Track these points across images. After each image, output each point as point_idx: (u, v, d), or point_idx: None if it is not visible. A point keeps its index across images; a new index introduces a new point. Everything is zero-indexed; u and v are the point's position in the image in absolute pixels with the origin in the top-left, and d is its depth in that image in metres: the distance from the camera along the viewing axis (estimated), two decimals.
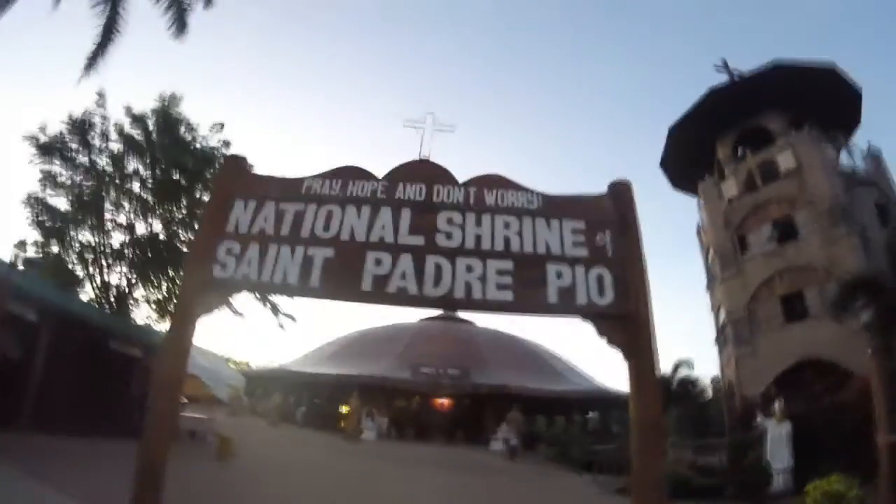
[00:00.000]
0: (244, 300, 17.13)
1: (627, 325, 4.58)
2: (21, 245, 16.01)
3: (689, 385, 31.79)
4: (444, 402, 36.58)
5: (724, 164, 25.40)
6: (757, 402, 18.86)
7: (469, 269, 4.47)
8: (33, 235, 16.31)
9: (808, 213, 21.01)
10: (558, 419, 37.10)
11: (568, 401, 35.84)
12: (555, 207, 4.97)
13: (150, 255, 17.00)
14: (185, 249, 17.41)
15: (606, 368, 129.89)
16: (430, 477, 16.54)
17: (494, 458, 24.23)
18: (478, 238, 4.72)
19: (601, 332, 4.52)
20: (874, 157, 23.81)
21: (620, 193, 5.22)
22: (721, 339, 25.28)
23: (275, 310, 18.22)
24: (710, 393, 38.03)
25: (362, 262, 4.60)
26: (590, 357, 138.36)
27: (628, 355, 4.61)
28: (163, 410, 5.73)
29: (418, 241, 4.67)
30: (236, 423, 25.53)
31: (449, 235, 4.73)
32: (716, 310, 25.67)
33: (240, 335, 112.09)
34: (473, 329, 47.46)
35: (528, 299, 4.44)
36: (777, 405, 12.84)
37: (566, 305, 4.44)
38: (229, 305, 17.97)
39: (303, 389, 38.35)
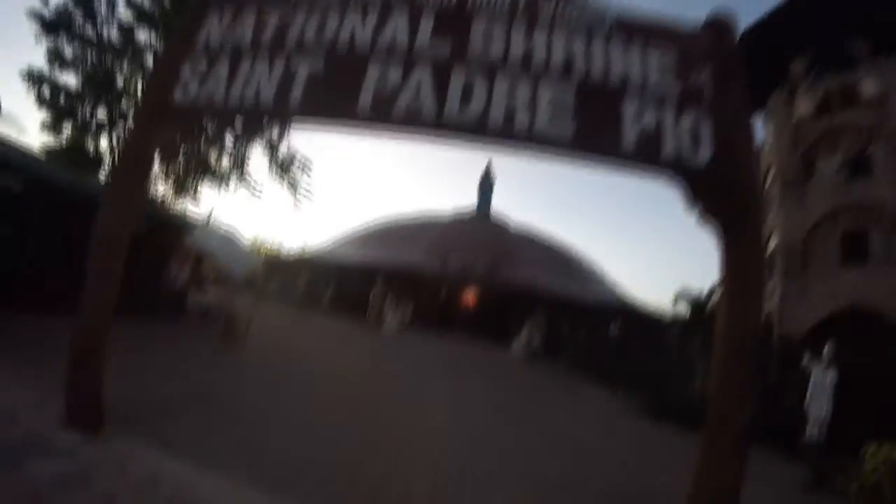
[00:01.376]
0: (261, 179, 16.33)
1: (729, 192, 3.32)
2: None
3: None
4: (470, 297, 36.16)
5: (798, 82, 22.62)
6: (797, 343, 17.61)
7: (513, 91, 3.09)
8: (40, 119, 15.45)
9: (887, 149, 18.70)
10: (582, 327, 36.61)
11: (594, 309, 34.97)
12: (636, 30, 3.56)
13: None
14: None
15: (638, 280, 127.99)
16: (446, 377, 15.99)
17: (515, 361, 23.79)
18: (528, 54, 3.27)
19: (693, 197, 3.27)
20: None
21: (723, 28, 3.76)
22: (768, 272, 23.59)
23: (292, 185, 17.25)
24: None
25: (361, 75, 3.33)
26: (624, 266, 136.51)
27: (726, 233, 3.37)
28: (103, 275, 4.69)
29: (442, 51, 3.28)
30: (256, 307, 25.38)
31: (487, 48, 3.28)
32: (766, 238, 23.85)
33: (263, 220, 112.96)
34: (506, 225, 46.50)
35: (595, 139, 3.13)
36: (827, 348, 11.62)
37: (648, 155, 3.14)
38: (247, 184, 17.13)
39: (328, 275, 38.24)
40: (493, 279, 34.77)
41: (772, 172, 22.92)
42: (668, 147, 3.15)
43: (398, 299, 31.38)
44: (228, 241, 22.58)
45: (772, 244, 22.48)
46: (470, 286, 35.37)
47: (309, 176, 17.43)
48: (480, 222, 45.01)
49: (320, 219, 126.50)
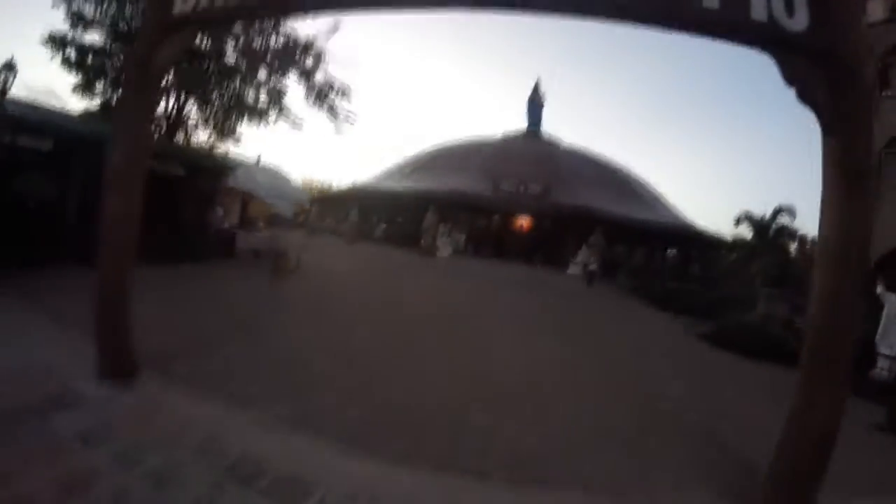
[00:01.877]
0: (302, 111, 15.97)
1: (832, 67, 2.65)
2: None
3: (786, 235, 28.99)
4: (524, 221, 35.43)
5: None
6: (867, 270, 16.10)
7: None
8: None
9: None
10: (639, 250, 35.62)
11: (651, 231, 33.80)
12: None
13: (198, 73, 15.63)
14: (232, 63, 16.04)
15: (696, 203, 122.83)
16: (503, 295, 15.77)
17: (572, 283, 23.31)
18: None
19: (788, 72, 2.62)
20: None
21: None
22: None
23: (332, 112, 16.76)
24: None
25: None
26: (680, 188, 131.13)
27: (827, 120, 2.76)
28: (118, 219, 4.41)
29: None
30: (310, 242, 25.72)
31: None
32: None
33: (311, 156, 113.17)
34: (558, 146, 44.83)
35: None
36: None
37: (732, 18, 2.53)
38: (287, 116, 16.76)
39: (381, 207, 38.18)
40: (546, 202, 33.82)
41: None
42: (757, 8, 2.49)
43: (451, 226, 31.14)
44: (276, 179, 22.67)
45: None
46: (523, 210, 34.57)
47: (349, 101, 16.91)
48: (531, 143, 43.51)
49: (369, 150, 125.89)
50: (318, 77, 16.37)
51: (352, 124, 17.36)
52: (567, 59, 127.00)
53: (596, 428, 5.03)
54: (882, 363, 9.58)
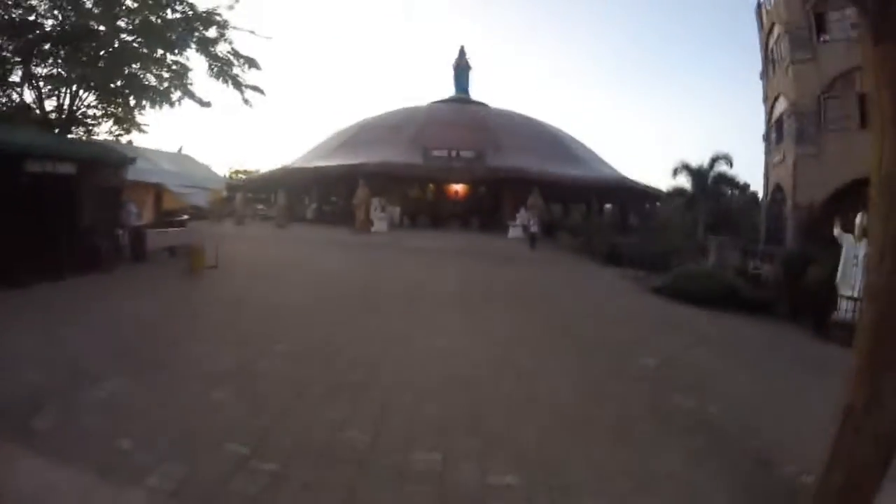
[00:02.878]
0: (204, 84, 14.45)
1: None
2: None
3: (724, 183, 29.38)
4: (459, 188, 34.63)
5: None
6: (818, 211, 16.31)
7: None
8: None
9: None
10: (576, 208, 35.45)
11: (589, 189, 33.67)
12: None
13: (89, 57, 13.77)
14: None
15: (631, 157, 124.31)
16: (448, 265, 14.98)
17: (515, 246, 22.77)
18: None
19: None
20: None
21: None
22: (773, 137, 21.79)
23: (236, 83, 15.30)
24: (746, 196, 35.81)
25: None
26: (612, 145, 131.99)
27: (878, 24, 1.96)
28: None
29: None
30: (238, 231, 24.10)
31: None
32: (771, 101, 21.80)
33: (238, 143, 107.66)
34: (488, 110, 43.92)
35: None
36: (860, 219, 10.39)
37: None
38: (191, 95, 15.14)
39: (311, 187, 36.51)
40: (479, 166, 33.00)
41: (775, 32, 20.68)
42: None
43: (385, 200, 29.94)
44: (191, 167, 20.63)
45: (779, 107, 20.71)
46: (457, 176, 33.68)
47: (256, 68, 15.42)
48: (460, 109, 42.32)
49: (295, 130, 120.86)
50: (221, 48, 14.84)
51: (262, 93, 15.86)
52: (491, 22, 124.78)
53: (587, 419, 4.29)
54: (845, 305, 9.33)
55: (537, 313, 9.21)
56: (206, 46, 14.53)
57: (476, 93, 47.46)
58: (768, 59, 22.24)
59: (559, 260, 18.88)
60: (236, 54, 14.99)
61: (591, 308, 10.27)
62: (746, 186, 36.10)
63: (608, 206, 37.87)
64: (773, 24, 21.14)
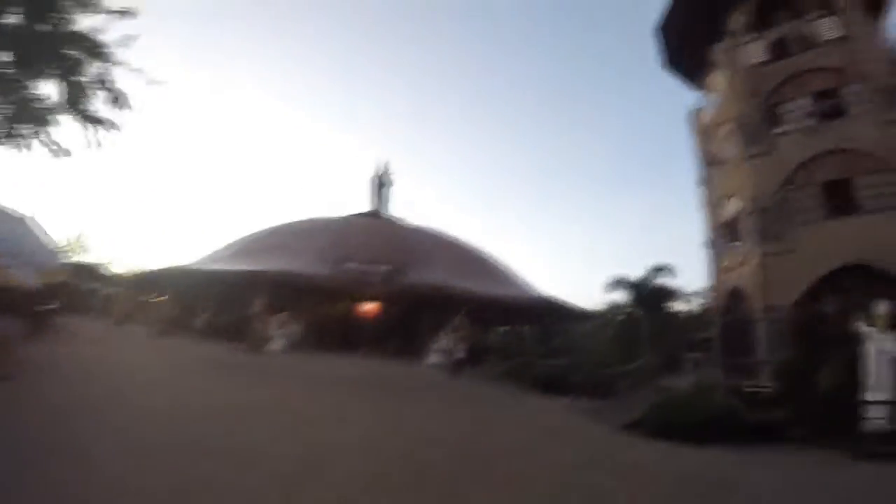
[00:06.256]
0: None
1: None
2: None
3: (667, 296, 27.73)
4: (373, 305, 31.07)
5: (741, 35, 20.25)
6: (800, 310, 14.94)
7: None
8: None
9: (858, 90, 16.55)
10: (498, 330, 32.86)
11: (512, 308, 31.41)
12: None
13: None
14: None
15: (554, 275, 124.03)
16: (350, 404, 11.24)
17: (435, 374, 19.28)
18: None
19: None
20: None
21: None
22: (719, 242, 20.71)
23: (87, 117, 11.65)
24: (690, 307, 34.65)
25: None
26: (536, 266, 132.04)
27: None
28: None
29: None
30: (106, 335, 19.57)
31: None
32: (713, 207, 21.01)
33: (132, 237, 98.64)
34: (406, 226, 42.09)
35: None
36: (883, 307, 8.68)
37: None
38: (46, 140, 11.33)
39: (204, 293, 31.85)
40: (396, 282, 30.00)
41: (725, 128, 20.22)
42: None
43: (286, 315, 25.99)
44: (15, 229, 15.65)
45: (734, 207, 19.81)
46: (370, 292, 30.35)
47: (126, 108, 11.79)
48: (376, 223, 40.29)
49: (191, 230, 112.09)
50: (89, 72, 11.34)
51: (117, 133, 12.05)
52: (410, 140, 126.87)
53: None
54: (875, 412, 8.09)
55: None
56: (66, 71, 11.02)
57: (396, 210, 45.81)
58: (711, 163, 21.55)
59: (492, 391, 15.74)
60: (102, 82, 11.47)
61: (554, 487, 6.76)
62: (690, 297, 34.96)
63: (527, 327, 35.88)
64: (718, 126, 20.65)
